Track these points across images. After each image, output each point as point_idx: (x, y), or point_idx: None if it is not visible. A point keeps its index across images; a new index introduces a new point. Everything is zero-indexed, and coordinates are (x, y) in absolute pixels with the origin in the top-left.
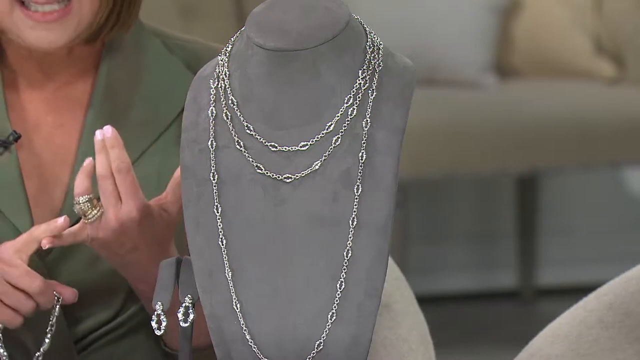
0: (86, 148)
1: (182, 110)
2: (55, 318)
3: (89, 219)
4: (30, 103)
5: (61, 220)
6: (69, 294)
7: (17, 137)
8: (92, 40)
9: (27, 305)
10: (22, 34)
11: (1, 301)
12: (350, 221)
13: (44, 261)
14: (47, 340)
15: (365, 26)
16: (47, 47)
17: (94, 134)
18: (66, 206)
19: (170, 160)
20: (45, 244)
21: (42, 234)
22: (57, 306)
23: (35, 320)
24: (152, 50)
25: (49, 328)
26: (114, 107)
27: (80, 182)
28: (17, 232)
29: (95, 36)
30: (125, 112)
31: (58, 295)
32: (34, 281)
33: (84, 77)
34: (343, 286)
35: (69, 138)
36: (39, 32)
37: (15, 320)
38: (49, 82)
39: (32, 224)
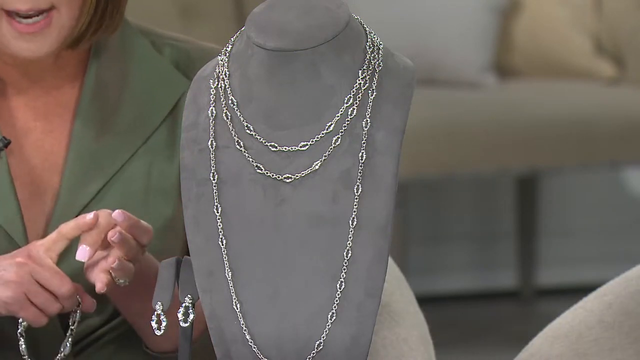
0: (75, 153)
1: (171, 111)
2: (76, 323)
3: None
4: (19, 109)
5: (90, 215)
6: (89, 303)
7: (7, 143)
8: (75, 45)
9: (53, 307)
10: (8, 44)
11: (28, 299)
12: (350, 221)
13: None
14: (68, 345)
15: (365, 26)
16: (30, 56)
17: (82, 138)
18: (56, 211)
19: (159, 161)
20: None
21: (70, 231)
22: (78, 311)
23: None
24: (139, 52)
25: (69, 332)
26: (103, 110)
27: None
28: (8, 238)
29: (77, 41)
30: (114, 115)
31: (79, 300)
32: (64, 284)
33: (71, 82)
34: (343, 286)
35: (58, 143)
36: (22, 43)
37: (40, 320)
38: (36, 88)
39: (24, 230)
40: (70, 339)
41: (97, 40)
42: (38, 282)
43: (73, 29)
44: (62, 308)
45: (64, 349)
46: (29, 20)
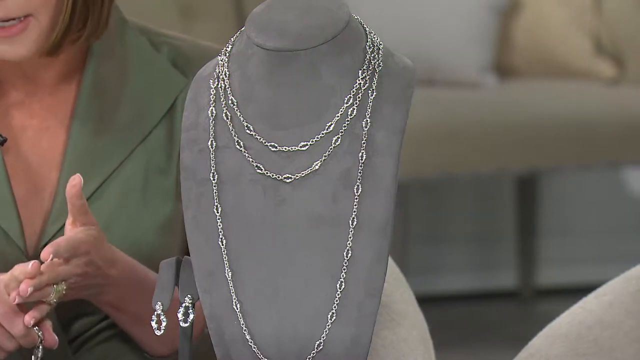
0: (73, 150)
1: (169, 109)
2: (39, 359)
3: (60, 289)
4: (15, 107)
5: (29, 265)
6: (51, 340)
7: (4, 141)
8: (54, 52)
9: (8, 344)
10: None
11: None
12: (350, 221)
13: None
14: None
15: (365, 26)
16: (11, 59)
17: (81, 136)
18: (55, 208)
19: (157, 159)
20: (14, 298)
21: (20, 274)
22: (40, 347)
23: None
24: (137, 50)
25: None
26: (101, 108)
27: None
28: (5, 236)
29: (56, 48)
30: (112, 113)
31: (41, 337)
32: (16, 325)
33: (68, 80)
34: (343, 286)
35: (56, 141)
36: (2, 47)
37: None
38: (32, 85)
39: (21, 228)
40: None
41: (96, 40)
42: None
43: (49, 37)
44: (20, 346)
45: None
46: (5, 24)
